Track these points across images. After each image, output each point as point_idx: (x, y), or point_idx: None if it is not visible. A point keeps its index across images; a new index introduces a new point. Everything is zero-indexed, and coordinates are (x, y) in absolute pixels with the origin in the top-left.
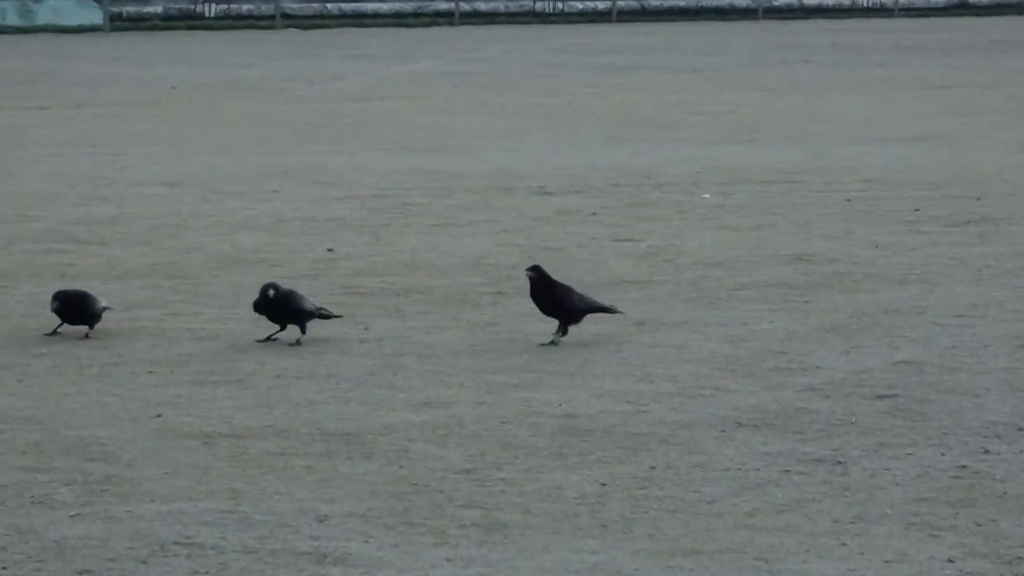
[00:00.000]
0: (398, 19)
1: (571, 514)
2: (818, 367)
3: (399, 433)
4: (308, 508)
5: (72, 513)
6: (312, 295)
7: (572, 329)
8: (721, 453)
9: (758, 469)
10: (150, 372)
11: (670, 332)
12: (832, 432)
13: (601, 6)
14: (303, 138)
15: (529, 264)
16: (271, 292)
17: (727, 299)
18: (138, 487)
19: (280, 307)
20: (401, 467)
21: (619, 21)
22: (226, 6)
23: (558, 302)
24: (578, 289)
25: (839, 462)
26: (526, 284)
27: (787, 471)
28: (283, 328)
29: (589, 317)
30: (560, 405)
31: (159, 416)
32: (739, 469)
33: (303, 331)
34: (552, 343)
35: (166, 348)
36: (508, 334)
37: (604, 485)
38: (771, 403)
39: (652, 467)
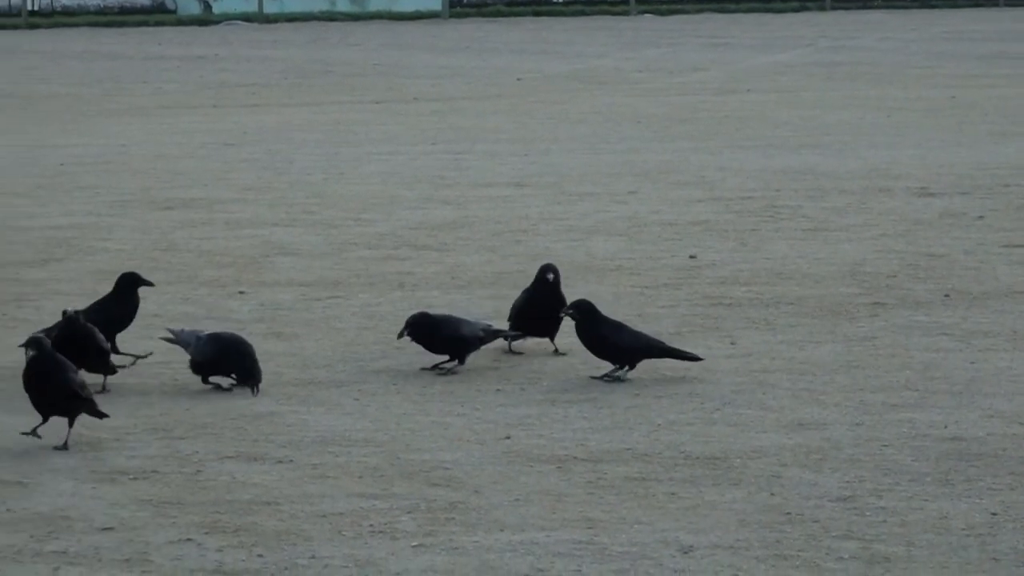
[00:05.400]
0: (764, 3)
1: (959, 547)
2: None
3: (770, 457)
4: (671, 539)
5: (415, 543)
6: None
7: (948, 344)
8: None
9: None
10: (498, 391)
11: None
12: None
13: None
14: (660, 134)
15: None
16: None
17: None
18: (486, 515)
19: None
20: (772, 494)
21: (1007, 5)
22: None
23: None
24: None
25: None
26: (908, 294)
27: None
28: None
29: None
30: (946, 427)
31: (508, 438)
32: None
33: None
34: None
35: (515, 365)
36: (888, 349)
37: (995, 515)
38: None
39: None
